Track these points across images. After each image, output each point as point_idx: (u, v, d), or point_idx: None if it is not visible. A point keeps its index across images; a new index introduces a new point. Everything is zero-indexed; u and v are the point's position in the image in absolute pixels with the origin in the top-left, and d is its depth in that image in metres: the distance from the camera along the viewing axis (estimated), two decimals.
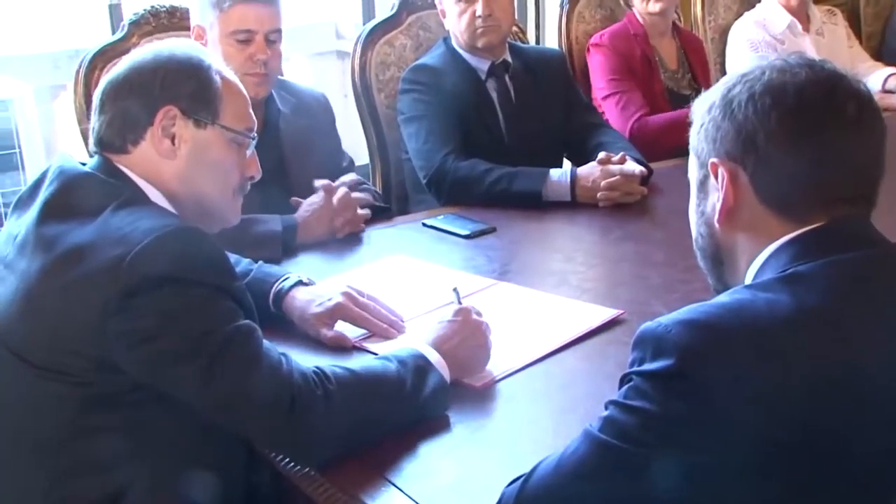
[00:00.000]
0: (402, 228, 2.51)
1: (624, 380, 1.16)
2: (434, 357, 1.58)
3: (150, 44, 1.71)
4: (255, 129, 1.71)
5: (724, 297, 1.18)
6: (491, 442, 1.52)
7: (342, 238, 2.37)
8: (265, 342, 1.48)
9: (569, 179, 2.60)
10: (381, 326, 1.84)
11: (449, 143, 2.71)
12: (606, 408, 1.16)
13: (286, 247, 2.27)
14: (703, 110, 1.27)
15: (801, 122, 1.18)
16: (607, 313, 1.89)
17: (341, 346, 1.79)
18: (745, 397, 1.06)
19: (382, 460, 1.45)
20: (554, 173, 2.62)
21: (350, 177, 2.56)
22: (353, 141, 3.37)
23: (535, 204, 2.58)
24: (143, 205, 1.53)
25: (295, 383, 1.44)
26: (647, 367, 1.12)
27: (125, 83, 1.60)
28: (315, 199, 2.37)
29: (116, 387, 1.45)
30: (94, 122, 1.62)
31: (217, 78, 1.63)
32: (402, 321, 1.88)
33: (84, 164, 1.60)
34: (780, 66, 1.22)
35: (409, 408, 1.53)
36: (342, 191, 2.38)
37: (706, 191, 1.29)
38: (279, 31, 2.47)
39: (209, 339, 1.42)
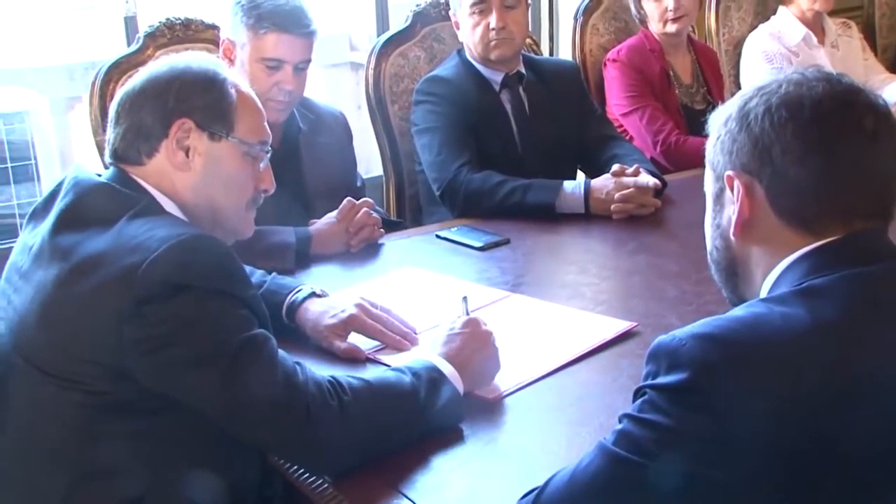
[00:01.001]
0: (416, 240, 2.51)
1: (638, 393, 1.16)
2: (448, 369, 1.58)
3: (166, 56, 1.71)
4: (270, 141, 1.72)
5: (739, 311, 1.17)
6: (504, 455, 1.51)
7: (356, 251, 2.37)
8: (280, 351, 1.48)
9: (583, 191, 2.59)
10: (394, 338, 1.84)
11: (462, 154, 2.71)
12: (620, 421, 1.16)
13: (299, 258, 2.27)
14: (720, 122, 1.27)
15: (818, 136, 1.18)
16: (621, 325, 1.88)
17: (354, 358, 1.79)
18: (759, 411, 1.06)
19: (395, 472, 1.45)
20: (568, 185, 2.62)
21: (366, 201, 2.56)
22: (367, 152, 3.37)
23: (549, 216, 2.58)
24: (158, 214, 1.54)
25: (310, 392, 1.44)
26: (661, 380, 1.12)
27: (141, 95, 1.61)
28: (333, 214, 2.37)
29: (131, 395, 1.45)
30: (110, 133, 1.63)
31: (232, 91, 1.64)
32: (416, 333, 1.88)
33: (99, 176, 1.61)
34: (797, 80, 1.22)
35: (423, 420, 1.52)
36: (364, 211, 2.38)
37: (722, 203, 1.29)
38: (310, 59, 2.47)
39: (224, 347, 1.42)
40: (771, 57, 3.70)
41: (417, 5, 3.19)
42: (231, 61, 2.44)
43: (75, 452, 1.47)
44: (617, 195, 2.56)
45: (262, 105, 2.40)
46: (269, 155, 1.72)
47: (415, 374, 1.55)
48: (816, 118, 1.18)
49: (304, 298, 1.87)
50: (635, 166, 2.64)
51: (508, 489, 1.30)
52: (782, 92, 1.21)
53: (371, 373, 1.64)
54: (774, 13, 3.85)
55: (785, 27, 3.78)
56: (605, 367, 1.75)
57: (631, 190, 2.57)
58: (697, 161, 3.02)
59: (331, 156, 2.62)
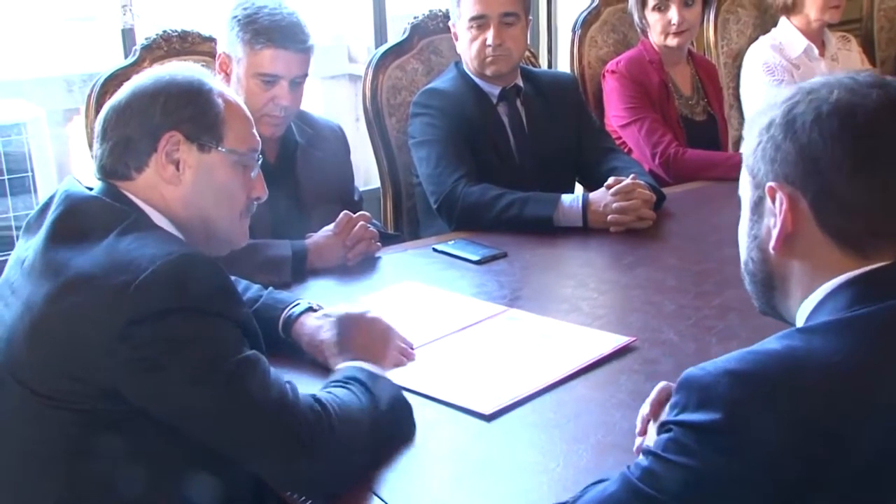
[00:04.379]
0: (413, 254, 2.49)
1: (664, 427, 1.11)
2: (366, 365, 1.62)
3: (151, 68, 1.71)
4: (259, 148, 1.71)
5: (775, 343, 1.11)
6: (500, 473, 1.49)
7: (353, 264, 2.36)
8: (272, 370, 1.47)
9: (581, 205, 2.58)
10: (392, 353, 1.83)
11: (460, 167, 2.70)
12: (646, 455, 1.11)
13: (296, 271, 2.26)
14: (761, 127, 1.19)
15: (871, 149, 1.11)
16: (619, 340, 1.87)
17: None
18: (794, 455, 1.02)
19: (391, 492, 1.43)
20: (566, 199, 2.61)
21: (363, 214, 2.55)
22: (365, 165, 3.37)
23: (547, 229, 2.57)
24: (148, 230, 1.52)
25: (302, 413, 1.43)
26: (690, 417, 1.07)
27: (126, 110, 1.59)
28: (330, 227, 2.36)
29: (121, 413, 1.43)
30: (97, 149, 1.62)
31: (219, 101, 1.62)
32: (412, 348, 1.87)
33: (91, 189, 1.60)
34: (849, 85, 1.14)
35: (386, 418, 1.54)
36: (360, 224, 2.37)
37: (760, 213, 1.22)
38: (306, 74, 2.46)
39: (217, 368, 1.41)
40: (772, 69, 3.69)
41: (415, 17, 3.19)
42: (227, 75, 2.44)
43: (65, 469, 1.45)
44: (614, 206, 2.56)
45: (257, 120, 2.41)
46: (259, 162, 1.71)
47: (350, 381, 1.56)
48: (871, 130, 1.11)
49: (301, 313, 1.86)
50: (631, 176, 2.63)
51: None
52: (833, 99, 1.13)
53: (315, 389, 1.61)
54: (774, 25, 3.85)
55: (786, 39, 3.77)
56: (603, 383, 1.74)
57: (628, 203, 2.56)
58: (697, 173, 3.12)
59: (328, 169, 2.61)
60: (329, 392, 1.53)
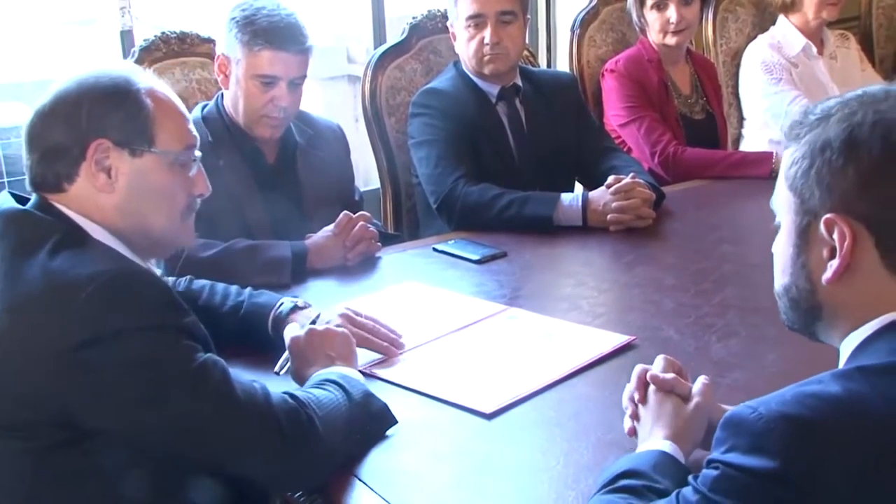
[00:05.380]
0: (413, 254, 2.50)
1: (710, 463, 1.08)
2: (335, 367, 1.62)
3: (75, 70, 1.58)
4: (197, 144, 1.63)
5: (834, 385, 1.04)
6: (502, 471, 1.49)
7: (353, 264, 2.36)
8: (232, 373, 1.46)
9: (580, 204, 2.58)
10: (382, 344, 1.85)
11: (459, 167, 2.71)
12: (694, 491, 1.08)
13: (296, 272, 2.26)
14: (814, 147, 1.11)
15: None
16: (619, 339, 1.87)
17: None
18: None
19: (392, 489, 1.43)
20: (565, 198, 2.61)
21: (363, 215, 2.55)
22: (365, 165, 3.37)
23: (547, 229, 2.57)
24: (80, 246, 1.46)
25: (275, 410, 1.43)
26: (742, 461, 1.02)
27: (51, 117, 1.51)
28: (330, 228, 2.36)
29: (76, 437, 1.40)
30: (25, 160, 1.54)
31: (148, 101, 1.54)
32: (401, 338, 1.88)
33: (24, 202, 1.53)
34: None
35: (360, 414, 1.54)
36: (360, 224, 2.37)
37: (808, 240, 1.15)
38: (305, 76, 2.46)
39: (175, 382, 1.38)
40: (770, 67, 3.68)
41: (414, 18, 3.19)
42: (226, 76, 2.44)
43: (23, 496, 1.43)
44: (613, 205, 2.56)
45: (256, 121, 2.41)
46: (199, 158, 1.64)
47: (323, 382, 1.57)
48: None
49: (289, 311, 1.88)
50: (631, 175, 2.63)
51: None
52: None
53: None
54: (773, 24, 3.85)
55: (785, 37, 3.77)
56: (603, 382, 1.74)
57: (628, 202, 2.56)
58: (696, 172, 3.12)
59: (328, 169, 2.61)
60: (303, 391, 1.54)
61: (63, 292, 1.37)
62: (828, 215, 1.09)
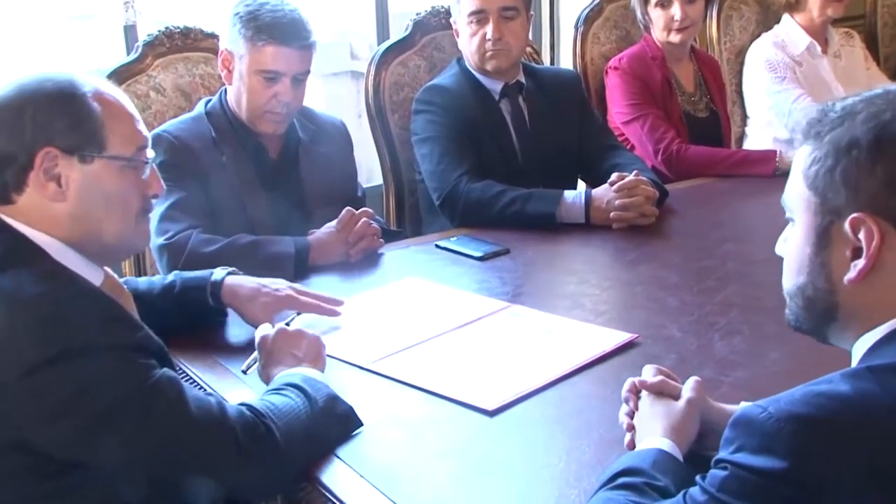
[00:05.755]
0: (415, 250, 2.49)
1: (718, 463, 1.07)
2: (298, 370, 1.63)
3: (17, 75, 1.52)
4: (149, 145, 1.58)
5: (844, 385, 1.03)
6: (502, 469, 1.49)
7: (355, 261, 2.36)
8: (189, 387, 1.46)
9: (583, 201, 2.58)
10: (328, 308, 1.97)
11: (463, 164, 2.71)
12: (702, 491, 1.08)
13: (298, 268, 2.26)
14: (839, 146, 1.09)
15: None
16: (621, 337, 1.87)
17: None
18: None
19: (393, 487, 1.43)
20: (568, 195, 2.61)
21: (366, 211, 2.56)
22: (368, 161, 3.37)
23: (550, 226, 2.57)
24: (26, 263, 1.43)
25: (231, 423, 1.43)
26: (750, 461, 1.02)
27: None
28: (333, 224, 2.36)
29: (37, 461, 1.38)
30: None
31: (95, 105, 1.49)
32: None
33: None
34: None
35: (322, 419, 1.54)
36: (363, 221, 2.37)
37: (829, 240, 1.12)
38: (308, 71, 2.46)
39: (127, 402, 1.37)
40: (774, 66, 3.69)
41: (417, 14, 3.20)
42: (229, 72, 2.44)
43: None
44: (617, 203, 2.55)
45: (259, 117, 2.42)
46: (151, 160, 1.59)
47: (284, 387, 1.57)
48: None
49: (223, 277, 1.94)
50: (634, 173, 2.62)
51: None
52: None
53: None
54: (777, 22, 3.85)
55: (789, 36, 3.77)
56: (606, 379, 1.74)
57: (631, 199, 2.56)
58: (699, 170, 3.12)
59: (330, 165, 2.61)
60: (262, 400, 1.53)
61: (8, 314, 1.35)
62: (855, 214, 1.08)
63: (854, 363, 1.15)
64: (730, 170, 3.10)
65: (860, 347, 1.13)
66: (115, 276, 1.64)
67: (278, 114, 2.43)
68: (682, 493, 1.12)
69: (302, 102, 2.54)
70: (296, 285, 1.99)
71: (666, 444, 1.34)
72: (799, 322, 1.22)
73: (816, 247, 1.14)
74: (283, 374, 1.63)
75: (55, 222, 1.48)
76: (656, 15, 3.37)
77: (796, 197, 1.16)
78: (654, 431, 1.38)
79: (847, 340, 1.17)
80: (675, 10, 3.31)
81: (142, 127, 1.57)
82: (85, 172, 1.48)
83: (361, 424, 1.58)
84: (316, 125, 2.64)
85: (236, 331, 1.98)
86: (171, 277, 1.95)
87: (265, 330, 1.74)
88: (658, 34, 3.38)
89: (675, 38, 3.35)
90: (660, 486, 1.24)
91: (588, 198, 2.59)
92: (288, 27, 2.38)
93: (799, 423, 0.99)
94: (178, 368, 1.76)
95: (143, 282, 1.96)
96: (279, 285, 1.95)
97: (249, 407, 1.48)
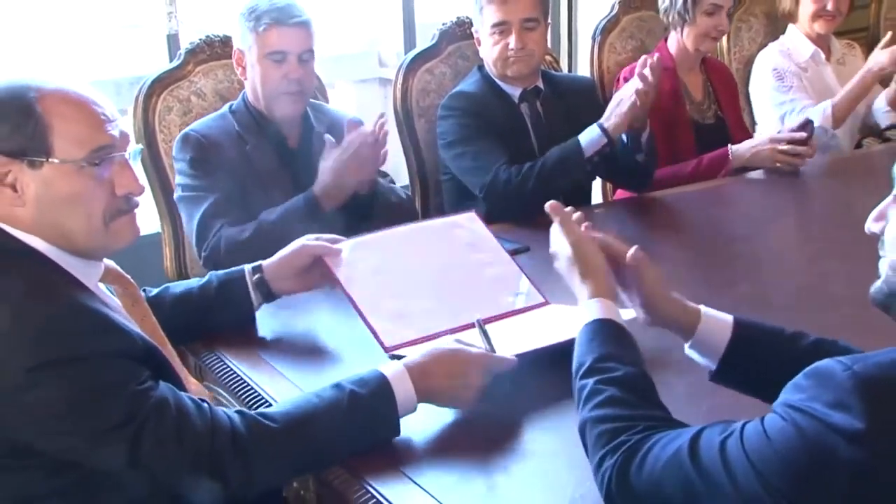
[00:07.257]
0: None
1: (784, 405, 1.05)
2: (402, 382, 1.56)
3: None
4: (110, 143, 1.50)
5: None
6: (510, 468, 1.52)
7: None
8: (180, 394, 1.45)
9: (597, 124, 2.71)
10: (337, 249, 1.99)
11: (501, 157, 2.80)
12: (782, 417, 1.04)
13: (310, 212, 2.41)
14: None
15: None
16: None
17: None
18: None
19: (394, 486, 1.45)
20: (583, 134, 2.75)
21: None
22: (395, 164, 3.49)
23: (581, 168, 2.72)
24: (11, 267, 1.43)
25: (219, 429, 1.42)
26: (825, 414, 0.99)
27: None
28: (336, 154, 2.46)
29: (42, 462, 1.40)
30: None
31: (39, 108, 1.43)
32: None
33: None
34: None
35: (349, 433, 1.51)
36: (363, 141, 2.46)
37: None
38: (311, 51, 2.61)
39: (116, 412, 1.36)
40: (781, 73, 3.77)
41: (444, 24, 3.29)
42: (243, 68, 2.61)
43: None
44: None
45: (276, 100, 2.52)
46: (118, 156, 1.51)
47: (339, 387, 1.54)
48: None
49: (256, 267, 2.00)
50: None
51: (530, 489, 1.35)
52: None
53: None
54: (783, 33, 3.95)
55: (794, 44, 3.87)
56: None
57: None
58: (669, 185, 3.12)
59: None
60: (276, 411, 1.51)
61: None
62: None
63: None
64: (692, 180, 3.20)
65: None
66: (117, 266, 1.65)
67: (293, 93, 2.58)
68: (759, 419, 1.08)
69: (313, 81, 2.69)
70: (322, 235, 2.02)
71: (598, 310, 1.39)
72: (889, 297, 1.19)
73: None
74: (375, 370, 1.58)
75: (26, 226, 1.46)
76: (703, 22, 3.36)
77: None
78: (583, 290, 1.48)
79: None
80: (720, 20, 3.36)
81: (106, 126, 1.49)
82: (37, 177, 1.44)
83: (398, 434, 1.56)
84: (329, 119, 2.75)
85: (277, 326, 2.02)
86: (206, 278, 2.00)
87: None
88: (692, 40, 3.38)
89: (708, 45, 3.44)
90: (618, 376, 1.27)
91: (602, 127, 2.73)
92: (283, 9, 2.56)
93: (878, 386, 0.97)
94: (222, 364, 1.84)
95: (180, 285, 1.99)
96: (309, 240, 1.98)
97: (241, 414, 1.46)
